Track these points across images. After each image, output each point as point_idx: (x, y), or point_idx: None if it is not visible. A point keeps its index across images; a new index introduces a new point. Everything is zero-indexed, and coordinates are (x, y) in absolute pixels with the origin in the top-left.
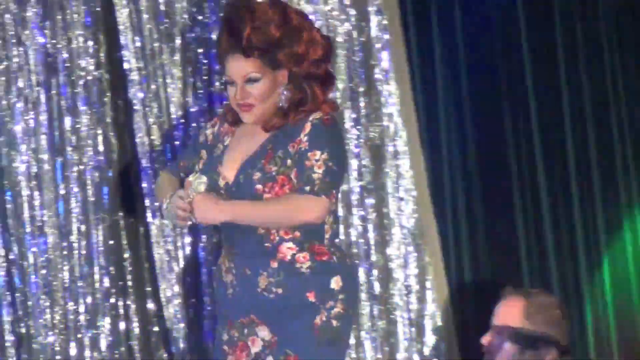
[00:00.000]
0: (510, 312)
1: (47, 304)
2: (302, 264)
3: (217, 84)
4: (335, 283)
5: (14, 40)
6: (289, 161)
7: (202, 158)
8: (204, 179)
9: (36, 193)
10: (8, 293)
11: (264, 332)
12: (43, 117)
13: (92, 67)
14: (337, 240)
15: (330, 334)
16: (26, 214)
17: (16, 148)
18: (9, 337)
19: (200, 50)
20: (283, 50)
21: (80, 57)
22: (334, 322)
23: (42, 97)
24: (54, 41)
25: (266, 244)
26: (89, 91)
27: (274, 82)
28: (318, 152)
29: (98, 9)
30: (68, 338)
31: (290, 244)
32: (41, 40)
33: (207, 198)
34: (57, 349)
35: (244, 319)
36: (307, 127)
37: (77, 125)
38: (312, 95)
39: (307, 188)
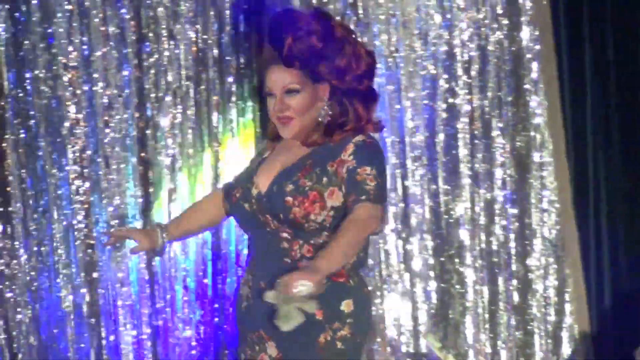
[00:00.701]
0: None
1: None
2: None
3: None
4: (346, 306)
5: (166, 35)
6: (324, 179)
7: None
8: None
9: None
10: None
11: (271, 349)
12: (190, 112)
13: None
14: (361, 270)
15: (333, 355)
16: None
17: (163, 141)
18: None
19: None
20: (324, 62)
21: (229, 53)
22: (339, 344)
23: (191, 92)
24: (205, 36)
25: (285, 259)
26: (238, 87)
27: (314, 96)
28: (368, 168)
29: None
30: None
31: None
32: (192, 35)
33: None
34: None
35: (254, 335)
36: (350, 147)
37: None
38: (354, 113)
39: (364, 197)
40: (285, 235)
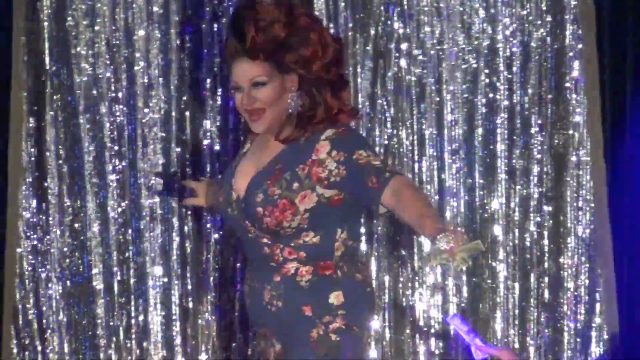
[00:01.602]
0: None
1: None
2: (302, 278)
3: (408, 77)
4: (335, 298)
5: (208, 17)
6: (295, 184)
7: None
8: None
9: None
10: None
11: (277, 345)
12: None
13: None
14: (353, 258)
15: (328, 348)
16: None
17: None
18: None
19: (391, 46)
20: (289, 52)
21: None
22: (333, 337)
23: None
24: None
25: (271, 263)
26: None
27: (282, 87)
28: (361, 151)
29: None
30: None
31: (295, 263)
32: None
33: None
34: None
35: (261, 331)
36: (325, 145)
37: None
38: (324, 103)
39: (387, 175)
40: (265, 240)
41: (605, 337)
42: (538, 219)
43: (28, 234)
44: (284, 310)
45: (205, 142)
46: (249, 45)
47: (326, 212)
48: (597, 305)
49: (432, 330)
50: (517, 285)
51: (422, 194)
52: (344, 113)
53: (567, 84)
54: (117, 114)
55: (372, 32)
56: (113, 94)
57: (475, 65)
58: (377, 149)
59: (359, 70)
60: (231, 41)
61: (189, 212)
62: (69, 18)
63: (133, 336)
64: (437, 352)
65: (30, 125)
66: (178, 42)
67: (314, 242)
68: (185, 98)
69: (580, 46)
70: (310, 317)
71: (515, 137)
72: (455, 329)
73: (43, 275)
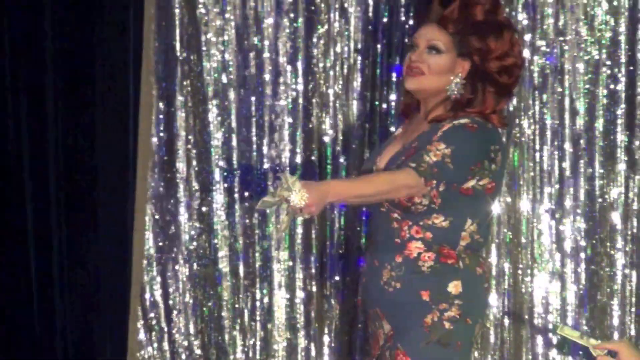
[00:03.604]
0: None
1: None
2: (424, 263)
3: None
4: (454, 287)
5: (337, 6)
6: None
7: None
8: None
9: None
10: None
11: (387, 326)
12: (356, 84)
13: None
14: (478, 252)
15: (441, 335)
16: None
17: (327, 111)
18: None
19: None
20: (477, 36)
21: (397, 30)
22: (446, 324)
23: (358, 64)
24: (376, 10)
25: (396, 239)
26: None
27: (451, 65)
28: (443, 145)
29: None
30: None
31: (419, 244)
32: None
33: (306, 184)
34: None
35: (372, 311)
36: (447, 127)
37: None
38: (482, 98)
39: (414, 165)
40: (395, 215)
41: None
42: None
43: (156, 216)
44: (401, 292)
45: (330, 132)
46: (447, 12)
47: (456, 197)
48: None
49: (550, 318)
50: (634, 273)
51: (374, 180)
52: (495, 115)
53: None
54: (244, 99)
55: None
56: (241, 81)
57: (597, 57)
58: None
59: None
60: (435, 5)
61: None
62: (200, 6)
63: (257, 318)
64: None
65: (160, 109)
66: (304, 31)
67: (442, 225)
68: (311, 87)
69: None
70: (427, 303)
71: (636, 128)
72: (568, 338)
73: (170, 257)
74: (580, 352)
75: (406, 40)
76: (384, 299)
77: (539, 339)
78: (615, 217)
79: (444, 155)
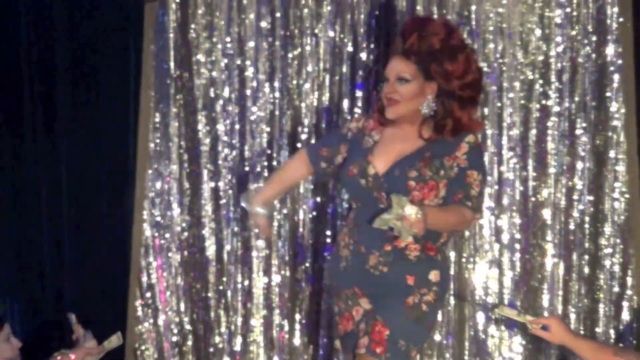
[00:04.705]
0: None
1: None
2: (411, 252)
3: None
4: (434, 276)
5: (309, 32)
6: (442, 172)
7: (341, 152)
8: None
9: None
10: None
11: (365, 304)
12: (325, 98)
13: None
14: (445, 249)
15: (418, 314)
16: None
17: (301, 122)
18: None
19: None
20: (436, 62)
21: (361, 52)
22: (424, 306)
23: (327, 81)
24: (342, 35)
25: (388, 232)
26: (364, 81)
27: (421, 90)
28: (475, 173)
29: (378, 12)
30: None
31: (409, 238)
32: (331, 33)
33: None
34: None
35: (348, 291)
36: (464, 147)
37: (354, 109)
38: (451, 115)
39: (469, 204)
40: None
41: (636, 306)
42: (581, 206)
43: (152, 211)
44: (388, 275)
45: (303, 137)
46: (407, 46)
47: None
48: (629, 280)
49: (489, 299)
50: (561, 262)
51: (453, 216)
52: (474, 123)
53: (608, 94)
54: (230, 111)
55: None
56: (226, 95)
57: (531, 77)
58: None
59: None
60: (397, 40)
61: (287, 197)
62: (191, 31)
63: (239, 299)
64: (493, 317)
65: (156, 119)
66: (282, 52)
67: None
68: (286, 100)
69: (619, 62)
70: (411, 286)
71: (563, 138)
72: (507, 317)
73: (165, 245)
74: (516, 328)
75: (369, 64)
76: (367, 281)
77: (480, 317)
78: (546, 214)
79: (480, 183)
